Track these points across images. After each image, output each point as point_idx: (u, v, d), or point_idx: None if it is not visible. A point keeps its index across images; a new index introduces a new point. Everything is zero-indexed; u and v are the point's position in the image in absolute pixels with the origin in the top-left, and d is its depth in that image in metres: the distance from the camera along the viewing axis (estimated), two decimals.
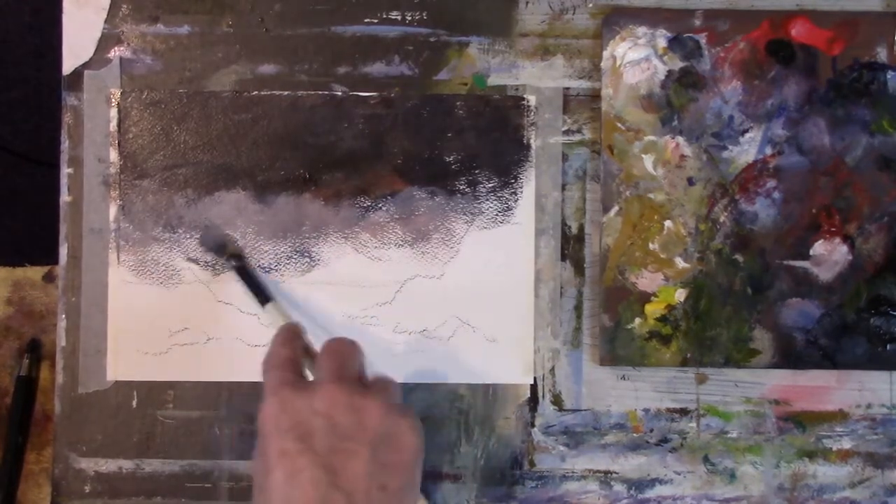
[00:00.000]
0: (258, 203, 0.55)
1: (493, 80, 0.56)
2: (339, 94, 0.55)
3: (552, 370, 0.55)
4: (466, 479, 0.55)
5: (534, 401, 0.55)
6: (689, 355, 0.54)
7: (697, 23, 0.55)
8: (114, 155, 0.55)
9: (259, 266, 0.55)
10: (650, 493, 0.55)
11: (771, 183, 0.54)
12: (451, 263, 0.55)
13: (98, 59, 0.55)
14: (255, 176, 0.55)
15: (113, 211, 0.55)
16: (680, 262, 0.54)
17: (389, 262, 0.55)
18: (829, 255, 0.54)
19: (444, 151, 0.55)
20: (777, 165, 0.54)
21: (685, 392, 0.55)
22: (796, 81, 0.55)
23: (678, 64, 0.55)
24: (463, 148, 0.55)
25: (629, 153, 0.54)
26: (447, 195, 0.55)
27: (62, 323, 0.55)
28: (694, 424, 0.55)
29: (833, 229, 0.54)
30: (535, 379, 0.55)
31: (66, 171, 0.55)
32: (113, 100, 0.55)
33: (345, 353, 0.46)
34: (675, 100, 0.54)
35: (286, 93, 0.55)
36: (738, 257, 0.54)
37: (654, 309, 0.54)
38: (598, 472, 0.55)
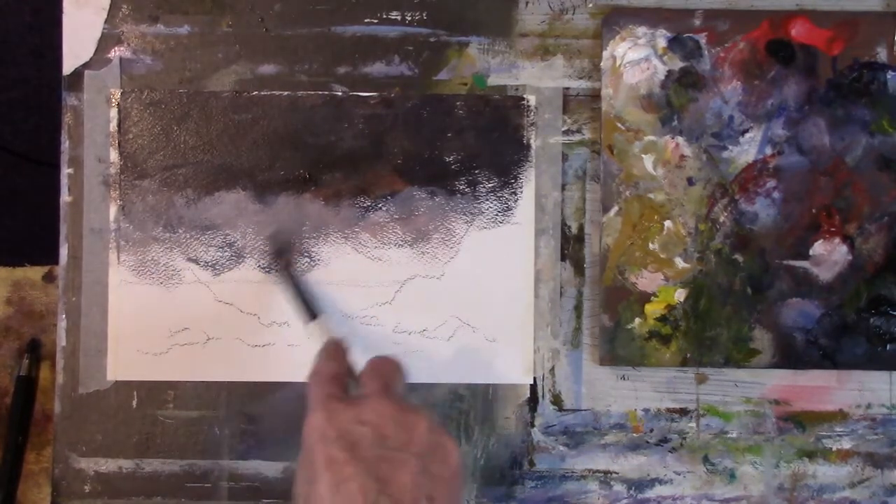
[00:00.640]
0: (258, 203, 0.55)
1: (493, 80, 0.56)
2: (339, 94, 0.55)
3: (552, 370, 0.55)
4: (466, 479, 0.55)
5: (534, 401, 0.55)
6: (689, 355, 0.54)
7: (697, 23, 0.55)
8: (114, 155, 0.55)
9: (259, 266, 0.55)
10: (650, 493, 0.55)
11: (771, 183, 0.54)
12: (451, 263, 0.55)
13: (98, 59, 0.55)
14: (255, 176, 0.55)
15: (113, 211, 0.55)
16: (680, 262, 0.54)
17: (389, 262, 0.55)
18: (829, 255, 0.54)
19: (444, 151, 0.55)
20: (777, 165, 0.54)
21: (685, 392, 0.55)
22: (796, 81, 0.55)
23: (678, 64, 0.55)
24: (463, 148, 0.55)
25: (629, 153, 0.54)
26: (447, 195, 0.55)
27: (62, 323, 0.55)
28: (694, 424, 0.55)
29: (833, 229, 0.54)
30: (534, 379, 0.55)
31: (66, 171, 0.55)
32: (113, 100, 0.55)
33: (389, 372, 0.46)
34: (675, 100, 0.54)
35: (286, 93, 0.55)
36: (738, 257, 0.54)
37: (653, 309, 0.54)
38: (598, 472, 0.55)
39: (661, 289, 0.54)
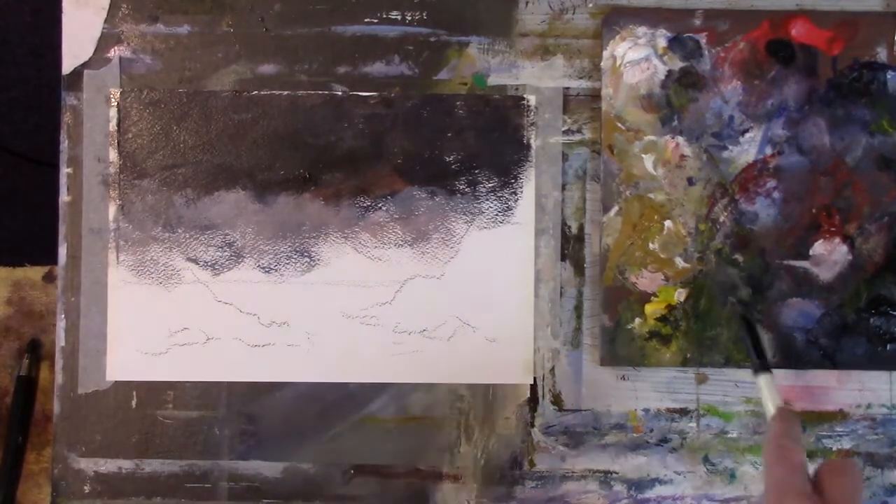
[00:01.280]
0: (258, 203, 0.55)
1: (493, 80, 0.56)
2: (339, 94, 0.55)
3: (552, 370, 0.55)
4: (466, 480, 0.55)
5: (534, 401, 0.55)
6: (689, 355, 0.54)
7: (697, 23, 0.55)
8: (113, 155, 0.55)
9: (259, 266, 0.55)
10: (650, 493, 0.55)
11: (771, 183, 0.54)
12: (451, 263, 0.55)
13: (98, 58, 0.55)
14: (255, 176, 0.55)
15: (112, 211, 0.55)
16: (680, 262, 0.54)
17: (389, 262, 0.55)
18: (829, 255, 0.54)
19: (444, 151, 0.55)
20: (777, 165, 0.54)
21: (685, 392, 0.55)
22: (796, 81, 0.54)
23: (678, 64, 0.54)
24: (463, 148, 0.55)
25: (629, 153, 0.54)
26: (447, 195, 0.55)
27: (62, 323, 0.55)
28: (694, 424, 0.55)
29: (833, 229, 0.54)
30: (535, 379, 0.55)
31: (65, 170, 0.55)
32: (113, 99, 0.55)
33: (856, 486, 0.43)
34: (675, 100, 0.54)
35: (286, 93, 0.55)
36: (738, 257, 0.54)
37: (654, 309, 0.54)
38: (598, 472, 0.55)
39: (662, 289, 0.54)
